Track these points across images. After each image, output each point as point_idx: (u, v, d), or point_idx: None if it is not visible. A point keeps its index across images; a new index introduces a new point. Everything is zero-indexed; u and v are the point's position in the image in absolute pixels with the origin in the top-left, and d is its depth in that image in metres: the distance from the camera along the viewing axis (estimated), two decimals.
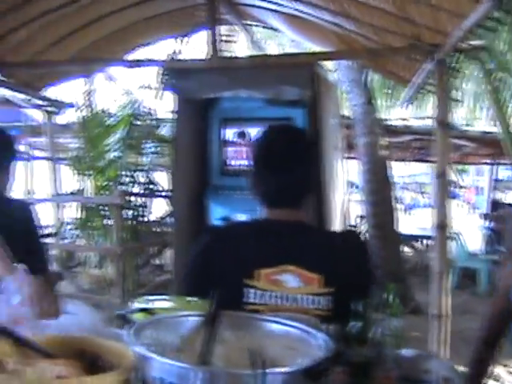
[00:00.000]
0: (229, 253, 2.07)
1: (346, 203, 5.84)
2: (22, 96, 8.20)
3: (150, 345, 1.44)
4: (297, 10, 5.26)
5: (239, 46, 10.52)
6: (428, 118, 11.92)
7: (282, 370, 1.27)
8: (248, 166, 2.26)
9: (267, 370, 1.09)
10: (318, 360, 1.33)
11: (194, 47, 8.34)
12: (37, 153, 12.22)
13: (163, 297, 1.86)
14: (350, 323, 1.59)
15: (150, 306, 1.65)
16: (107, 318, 1.94)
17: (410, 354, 1.71)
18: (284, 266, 2.00)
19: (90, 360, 1.47)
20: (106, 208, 7.86)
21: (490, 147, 12.74)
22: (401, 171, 29.59)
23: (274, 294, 1.99)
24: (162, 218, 8.79)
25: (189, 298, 1.85)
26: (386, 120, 11.64)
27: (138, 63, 6.11)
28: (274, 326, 1.58)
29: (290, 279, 1.99)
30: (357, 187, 11.22)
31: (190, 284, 2.14)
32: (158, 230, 8.80)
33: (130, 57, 7.03)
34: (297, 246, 2.06)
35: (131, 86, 9.65)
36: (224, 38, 9.63)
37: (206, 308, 1.58)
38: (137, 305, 1.67)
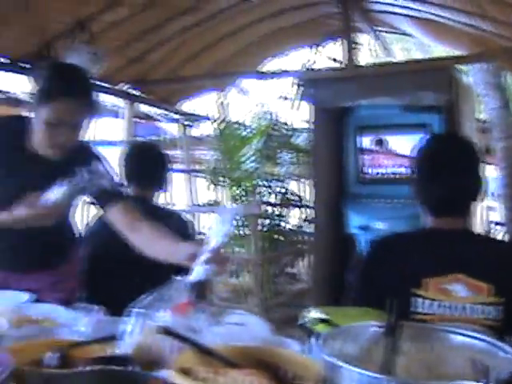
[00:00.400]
0: (396, 263, 2.08)
1: (483, 210, 5.69)
2: (159, 111, 8.56)
3: (336, 355, 1.47)
4: (430, 13, 5.19)
5: (369, 53, 10.46)
6: None
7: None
8: (412, 174, 2.25)
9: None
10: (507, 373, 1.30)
11: (328, 56, 8.36)
12: (174, 165, 12.59)
13: (332, 307, 1.89)
14: None
15: (327, 316, 1.69)
16: (276, 328, 1.99)
17: None
18: (452, 275, 1.99)
19: (269, 370, 1.48)
20: (244, 218, 7.99)
21: None
22: None
23: (443, 304, 1.98)
24: (298, 228, 8.82)
25: (366, 309, 1.87)
26: None
27: (272, 74, 6.23)
28: (456, 337, 1.57)
29: (459, 288, 1.98)
30: (492, 194, 10.84)
31: (363, 296, 2.16)
32: (294, 239, 8.83)
33: (264, 68, 7.18)
34: (464, 254, 2.05)
35: (265, 98, 9.79)
36: (358, 46, 9.64)
37: (379, 318, 1.60)
38: (314, 315, 1.71)
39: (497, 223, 10.92)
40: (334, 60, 7.24)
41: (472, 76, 8.33)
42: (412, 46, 13.61)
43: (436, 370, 1.43)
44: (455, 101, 4.91)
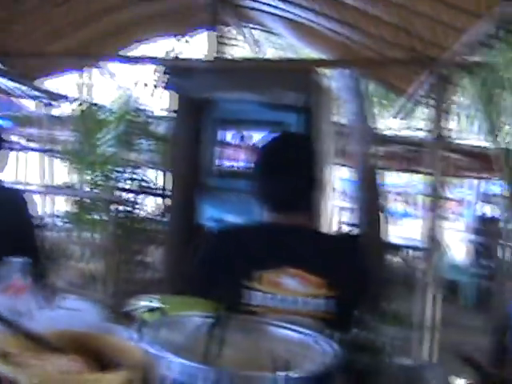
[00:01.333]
0: (232, 255, 2.09)
1: (332, 209, 5.87)
2: (15, 85, 8.19)
3: (159, 344, 1.46)
4: (298, 15, 5.29)
5: (239, 48, 10.52)
6: (418, 129, 12.01)
7: (300, 373, 1.28)
8: (251, 171, 2.26)
9: (289, 374, 1.10)
10: (330, 365, 1.34)
11: (195, 47, 8.35)
12: (29, 144, 12.14)
13: (171, 296, 1.87)
14: (354, 330, 1.62)
15: (157, 305, 1.67)
16: (110, 315, 1.94)
17: (409, 364, 1.74)
18: (285, 268, 2.02)
19: (94, 356, 1.45)
20: (98, 203, 7.84)
21: (480, 161, 12.81)
22: (391, 181, 29.67)
23: (275, 297, 2.01)
24: (154, 216, 8.75)
25: (198, 299, 1.87)
26: (379, 129, 11.68)
27: (136, 60, 6.12)
28: (282, 330, 1.59)
29: (291, 282, 2.01)
30: (345, 194, 11.22)
31: (196, 286, 2.15)
32: (149, 227, 8.76)
33: (129, 53, 7.04)
34: (298, 249, 2.09)
35: (128, 83, 9.63)
36: (225, 39, 9.66)
37: (212, 308, 1.60)
38: (143, 303, 1.68)
39: (348, 224, 11.35)
40: (200, 52, 7.24)
41: (334, 81, 8.58)
42: (285, 45, 13.80)
43: (257, 362, 1.44)
44: (314, 102, 5.02)
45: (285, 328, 1.59)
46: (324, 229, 5.27)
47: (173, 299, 1.90)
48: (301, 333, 1.56)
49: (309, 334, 1.54)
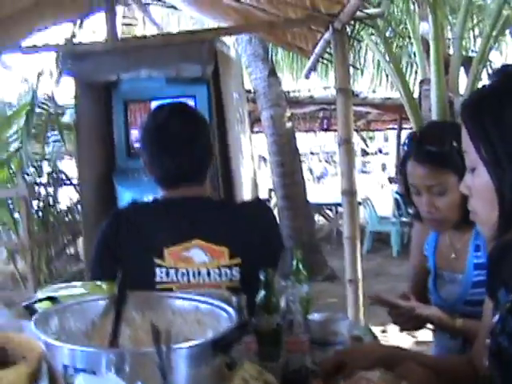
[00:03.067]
0: (135, 234, 2.05)
1: (255, 177, 5.85)
2: None
3: (57, 333, 1.42)
4: None
5: (138, 28, 10.36)
6: (327, 87, 12.13)
7: (188, 344, 1.28)
8: (140, 148, 2.18)
9: (172, 345, 1.08)
10: (223, 332, 1.34)
11: (93, 31, 8.15)
12: None
13: (71, 284, 1.83)
14: (259, 292, 1.61)
15: (55, 294, 1.62)
16: (19, 313, 1.88)
17: (320, 318, 1.75)
18: (190, 241, 2.00)
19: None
20: (12, 201, 7.65)
21: (394, 113, 13.08)
22: (309, 142, 30.03)
23: (184, 271, 1.99)
24: (71, 207, 8.60)
25: (98, 283, 1.83)
26: (291, 92, 11.74)
27: (33, 49, 5.93)
28: (182, 303, 1.58)
29: (198, 254, 1.99)
30: (265, 160, 11.25)
31: (98, 269, 2.11)
32: (69, 218, 8.61)
33: (26, 43, 6.81)
34: (201, 220, 2.05)
35: (29, 74, 9.37)
36: (123, 19, 9.49)
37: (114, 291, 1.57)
38: (42, 294, 1.64)
39: (270, 189, 11.44)
40: (100, 34, 7.07)
41: (238, 48, 8.57)
42: (188, 19, 13.64)
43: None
44: (219, 72, 4.97)
45: (183, 299, 1.58)
46: (247, 197, 5.27)
47: (90, 285, 1.85)
48: (205, 303, 1.55)
49: (208, 302, 1.53)
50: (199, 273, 1.99)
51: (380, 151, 34.08)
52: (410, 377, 1.24)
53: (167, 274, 1.99)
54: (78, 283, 1.79)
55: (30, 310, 1.50)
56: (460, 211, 1.89)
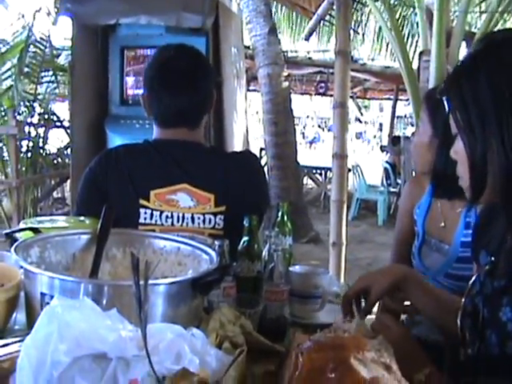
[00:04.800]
0: (123, 174, 2.03)
1: (247, 134, 5.83)
2: None
3: (37, 263, 1.42)
4: None
5: None
6: (326, 51, 12.06)
7: (167, 280, 1.28)
8: (143, 85, 2.17)
9: (150, 278, 1.08)
10: (203, 272, 1.34)
11: None
12: None
13: (55, 217, 1.82)
14: (242, 239, 1.61)
15: (38, 225, 1.61)
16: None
17: (301, 270, 1.75)
18: (178, 185, 1.99)
19: None
20: (2, 139, 7.57)
21: (391, 82, 13.00)
22: (304, 105, 29.94)
23: (168, 214, 1.98)
24: (61, 149, 8.54)
25: (82, 218, 1.82)
26: (290, 52, 11.64)
27: None
28: (164, 243, 1.58)
29: (184, 198, 1.99)
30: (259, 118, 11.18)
31: (84, 205, 2.09)
32: (58, 161, 8.55)
33: None
34: (190, 165, 2.05)
35: (26, 11, 9.21)
36: None
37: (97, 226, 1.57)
38: (24, 224, 1.63)
39: (261, 149, 11.42)
40: None
41: (240, 3, 8.45)
42: None
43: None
44: (219, 25, 4.92)
45: (165, 239, 1.58)
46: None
47: (74, 220, 1.85)
48: (187, 245, 1.55)
49: (195, 245, 1.53)
50: (183, 217, 1.99)
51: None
52: (384, 333, 1.25)
53: (151, 215, 1.98)
54: (62, 217, 1.79)
55: (11, 239, 1.49)
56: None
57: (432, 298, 1.53)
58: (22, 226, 1.63)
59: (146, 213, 1.98)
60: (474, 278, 1.36)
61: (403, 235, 2.32)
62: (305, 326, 1.59)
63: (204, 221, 2.00)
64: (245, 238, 1.58)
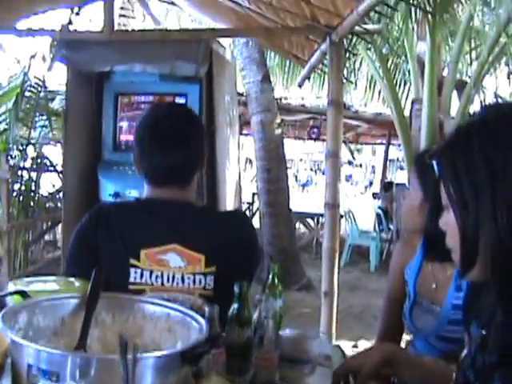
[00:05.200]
0: (114, 232, 2.03)
1: (239, 181, 5.84)
2: None
3: (25, 329, 1.40)
4: None
5: (136, 21, 10.31)
6: (318, 97, 12.16)
7: (155, 354, 1.27)
8: (134, 142, 2.18)
9: (139, 356, 1.07)
10: (193, 344, 1.33)
11: (90, 19, 8.10)
12: None
13: (45, 278, 1.80)
14: (232, 305, 1.60)
15: (27, 288, 1.60)
16: None
17: (291, 335, 1.74)
18: (168, 245, 1.99)
19: None
20: None
21: (383, 128, 13.11)
22: (297, 148, 30.09)
23: (158, 274, 1.98)
24: (53, 193, 8.54)
25: (71, 279, 1.81)
26: (283, 99, 11.75)
27: (28, 32, 5.88)
28: (154, 308, 1.56)
29: (174, 258, 1.98)
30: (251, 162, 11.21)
31: (74, 263, 2.09)
32: (50, 205, 8.56)
33: (22, 25, 6.76)
34: (181, 225, 2.05)
35: (22, 56, 9.29)
36: (121, 11, 9.44)
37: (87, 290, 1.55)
38: (13, 287, 1.61)
39: (254, 194, 11.43)
40: (97, 24, 7.03)
41: (234, 50, 8.55)
42: (187, 16, 13.63)
43: (132, 341, 1.40)
44: (213, 73, 4.96)
45: (155, 305, 1.56)
46: (231, 200, 5.26)
47: (64, 281, 1.83)
48: (177, 311, 1.53)
49: (184, 311, 1.52)
50: (173, 277, 1.98)
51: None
52: None
53: (141, 275, 1.98)
54: (51, 278, 1.77)
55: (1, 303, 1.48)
56: None
57: (422, 372, 1.52)
58: (11, 286, 1.62)
59: (136, 272, 1.98)
60: (465, 351, 1.35)
61: (394, 294, 2.32)
62: None
63: (194, 281, 1.99)
64: (235, 305, 1.57)
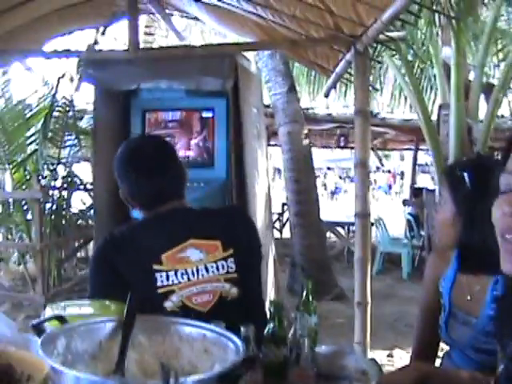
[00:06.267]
0: (132, 249, 2.12)
1: (269, 193, 5.84)
2: None
3: (64, 354, 1.42)
4: (221, 0, 5.23)
5: (160, 37, 10.39)
6: (345, 106, 12.16)
7: (194, 377, 1.27)
8: (118, 181, 2.36)
9: (180, 380, 1.07)
10: (230, 366, 1.33)
11: (115, 38, 8.19)
12: None
13: (80, 302, 1.82)
14: (268, 325, 1.60)
15: (63, 312, 1.61)
16: (25, 324, 1.88)
17: (327, 351, 1.74)
18: (184, 243, 2.09)
19: (5, 371, 1.43)
20: (26, 202, 7.68)
21: (411, 133, 13.05)
22: (325, 157, 30.07)
23: (183, 271, 2.06)
24: (84, 211, 8.63)
25: (107, 302, 1.82)
26: (309, 109, 11.75)
27: (56, 54, 5.96)
28: (190, 330, 1.57)
29: (194, 253, 2.09)
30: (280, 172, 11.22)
31: (100, 287, 2.13)
32: (81, 222, 8.65)
33: (49, 46, 6.86)
34: (191, 223, 2.19)
35: (50, 77, 9.41)
36: (146, 29, 9.53)
37: (122, 312, 1.57)
38: (50, 312, 1.63)
39: (283, 204, 11.40)
40: (122, 42, 7.10)
41: (259, 63, 8.58)
42: (210, 31, 13.72)
43: (170, 363, 1.41)
44: (239, 86, 4.97)
45: (191, 326, 1.57)
46: (261, 210, 5.27)
47: (99, 305, 1.84)
48: (212, 331, 1.54)
49: (220, 332, 1.53)
50: (197, 270, 2.08)
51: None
52: None
53: (167, 277, 2.05)
54: (86, 302, 1.79)
55: (37, 330, 1.50)
56: None
57: None
58: (48, 311, 1.64)
59: (161, 276, 2.06)
60: (500, 368, 1.33)
61: (428, 305, 2.29)
62: None
63: (217, 268, 2.10)
64: (270, 325, 1.57)
